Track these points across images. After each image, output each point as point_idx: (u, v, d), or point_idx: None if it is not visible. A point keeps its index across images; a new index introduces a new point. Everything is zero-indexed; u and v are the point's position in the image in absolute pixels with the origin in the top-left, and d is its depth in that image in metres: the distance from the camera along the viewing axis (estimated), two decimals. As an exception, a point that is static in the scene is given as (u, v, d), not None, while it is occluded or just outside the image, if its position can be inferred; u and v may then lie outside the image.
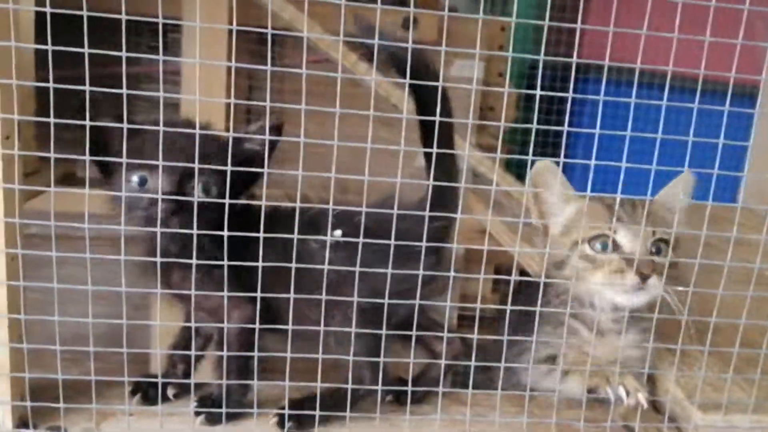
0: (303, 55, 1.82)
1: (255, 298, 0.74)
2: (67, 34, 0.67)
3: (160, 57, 0.73)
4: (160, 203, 0.73)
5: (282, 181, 0.82)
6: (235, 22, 0.66)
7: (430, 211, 0.75)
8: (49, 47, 0.68)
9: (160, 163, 0.70)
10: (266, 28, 0.73)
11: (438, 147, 0.74)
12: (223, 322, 0.79)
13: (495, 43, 1.91)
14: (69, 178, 1.57)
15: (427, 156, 0.81)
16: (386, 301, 0.74)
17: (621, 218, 0.87)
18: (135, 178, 0.75)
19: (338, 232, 0.77)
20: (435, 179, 0.79)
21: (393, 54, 0.74)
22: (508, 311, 0.78)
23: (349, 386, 0.78)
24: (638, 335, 0.92)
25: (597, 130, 0.74)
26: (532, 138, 0.76)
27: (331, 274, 0.75)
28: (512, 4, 0.70)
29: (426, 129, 0.79)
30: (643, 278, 0.84)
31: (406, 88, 0.78)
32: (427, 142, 0.80)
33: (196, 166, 0.74)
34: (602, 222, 0.88)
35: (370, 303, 0.75)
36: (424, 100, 0.79)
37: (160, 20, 0.70)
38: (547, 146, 2.03)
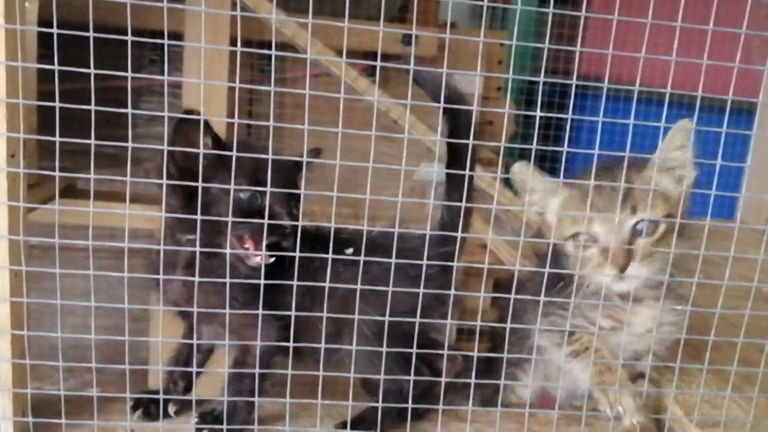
0: (302, 69, 1.84)
1: (279, 318, 0.76)
2: (69, 46, 0.68)
3: (165, 77, 0.74)
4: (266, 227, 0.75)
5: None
6: (240, 40, 0.67)
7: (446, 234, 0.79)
8: (56, 67, 0.68)
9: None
10: (267, 41, 0.75)
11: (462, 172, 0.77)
12: (244, 340, 0.79)
13: (494, 58, 1.92)
14: (70, 190, 1.58)
15: (450, 181, 0.85)
16: (387, 318, 0.74)
17: (596, 206, 0.85)
18: (243, 195, 0.76)
19: (349, 250, 0.79)
20: (453, 201, 0.83)
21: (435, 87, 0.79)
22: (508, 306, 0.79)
23: (380, 404, 0.80)
24: (674, 302, 0.90)
25: (595, 150, 0.75)
26: (533, 153, 0.78)
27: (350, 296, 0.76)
28: (511, 18, 0.71)
29: (453, 154, 0.84)
30: (621, 268, 0.83)
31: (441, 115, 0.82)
32: (452, 166, 0.84)
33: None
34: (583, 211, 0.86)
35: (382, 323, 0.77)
36: (456, 127, 0.82)
37: (165, 41, 0.70)
38: (545, 160, 2.04)
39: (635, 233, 0.85)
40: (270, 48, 0.77)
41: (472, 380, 0.81)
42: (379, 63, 0.72)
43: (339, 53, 1.51)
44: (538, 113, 0.70)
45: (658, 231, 0.85)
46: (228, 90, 1.72)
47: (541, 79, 0.74)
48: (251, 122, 1.60)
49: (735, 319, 0.88)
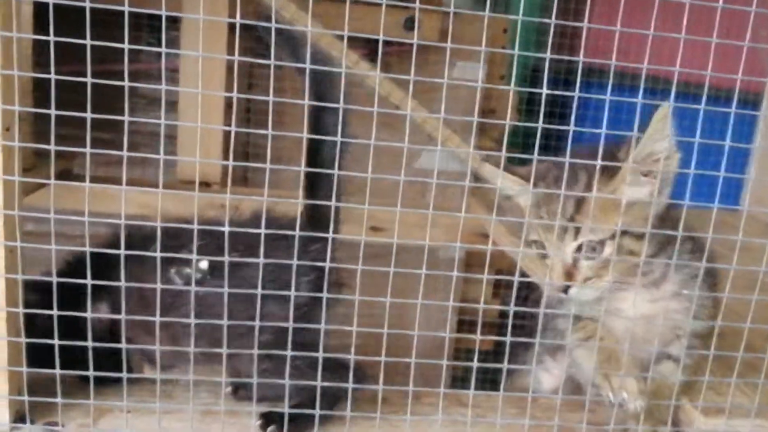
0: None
1: None
2: (65, 32, 0.66)
3: (173, 54, 0.72)
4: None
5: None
6: (238, 17, 0.65)
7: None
8: (51, 38, 0.67)
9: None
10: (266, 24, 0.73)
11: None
12: None
13: (497, 44, 1.90)
14: (65, 174, 1.57)
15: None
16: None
17: (549, 216, 0.82)
18: None
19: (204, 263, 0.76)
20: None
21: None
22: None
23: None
24: (679, 285, 0.86)
25: (603, 130, 0.73)
26: (537, 140, 0.76)
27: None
28: (514, 7, 0.70)
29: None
30: (562, 289, 0.81)
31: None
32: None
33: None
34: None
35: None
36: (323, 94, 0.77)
37: (171, 14, 0.69)
38: (549, 150, 2.03)
39: (578, 255, 0.81)
40: (269, 32, 0.76)
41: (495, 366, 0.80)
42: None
43: (340, 39, 1.49)
44: (544, 90, 0.68)
45: (604, 253, 0.80)
46: (226, 74, 1.70)
47: (548, 56, 0.73)
48: (250, 96, 1.58)
49: (739, 307, 0.87)
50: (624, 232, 0.79)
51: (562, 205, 0.79)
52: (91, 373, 0.75)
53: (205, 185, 1.62)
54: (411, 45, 0.74)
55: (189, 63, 1.62)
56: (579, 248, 0.81)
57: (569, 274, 0.81)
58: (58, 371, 0.74)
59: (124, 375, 0.78)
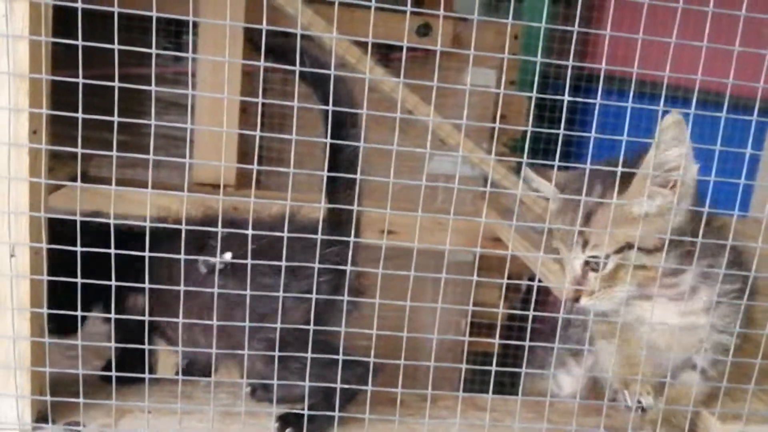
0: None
1: None
2: (83, 37, 0.67)
3: (189, 55, 0.73)
4: None
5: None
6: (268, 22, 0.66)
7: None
8: (79, 42, 0.68)
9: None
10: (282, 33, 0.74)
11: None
12: None
13: (509, 51, 1.91)
14: (82, 177, 1.58)
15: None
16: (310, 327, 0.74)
17: (565, 224, 0.81)
18: None
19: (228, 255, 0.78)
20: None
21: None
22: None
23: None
24: (712, 298, 0.82)
25: (624, 137, 0.74)
26: (559, 144, 0.77)
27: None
28: (523, 15, 0.71)
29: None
30: (574, 299, 0.81)
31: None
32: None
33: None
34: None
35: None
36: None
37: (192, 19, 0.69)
38: (561, 155, 2.03)
39: (587, 267, 0.81)
40: (285, 37, 0.77)
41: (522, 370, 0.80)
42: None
43: (355, 45, 1.50)
44: (566, 97, 0.69)
45: (608, 267, 0.79)
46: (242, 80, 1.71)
47: (567, 63, 0.73)
48: (264, 101, 1.59)
49: (756, 314, 0.88)
50: (632, 246, 0.78)
51: (575, 217, 0.80)
52: (113, 373, 0.76)
53: (218, 187, 1.63)
54: (423, 50, 0.74)
55: (205, 67, 1.64)
56: (587, 260, 0.81)
57: (579, 285, 0.81)
58: (80, 371, 0.75)
59: (146, 375, 0.79)
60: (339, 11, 0.71)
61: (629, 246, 0.78)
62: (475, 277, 0.79)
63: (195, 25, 1.58)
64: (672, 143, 0.76)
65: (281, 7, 1.46)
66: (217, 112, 1.62)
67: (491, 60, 1.88)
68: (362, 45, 1.49)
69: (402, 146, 0.74)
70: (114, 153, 0.71)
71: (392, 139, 0.74)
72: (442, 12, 0.77)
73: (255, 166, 0.74)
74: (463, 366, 0.85)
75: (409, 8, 0.75)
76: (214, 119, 1.64)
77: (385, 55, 1.78)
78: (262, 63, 0.74)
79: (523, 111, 2.04)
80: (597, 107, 0.74)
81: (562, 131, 0.75)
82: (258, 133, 0.74)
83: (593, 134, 0.74)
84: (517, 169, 1.82)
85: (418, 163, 1.87)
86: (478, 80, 1.89)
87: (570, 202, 0.82)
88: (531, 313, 0.78)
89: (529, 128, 0.75)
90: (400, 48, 1.78)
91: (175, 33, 1.63)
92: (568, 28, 0.73)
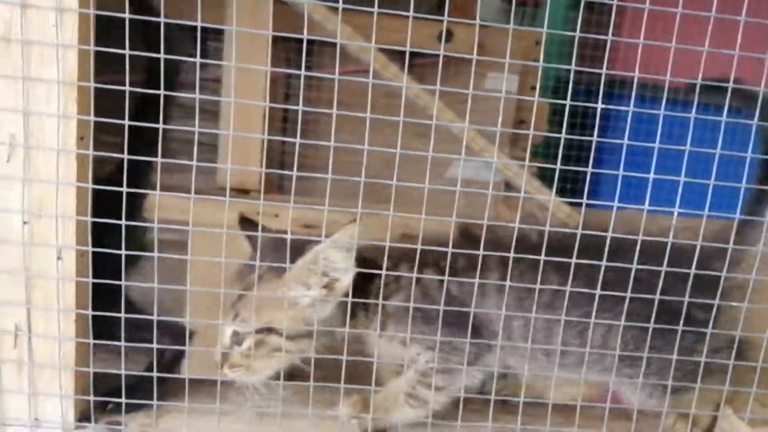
0: (341, 66, 1.85)
1: None
2: (106, 44, 0.70)
3: (232, 64, 0.75)
4: None
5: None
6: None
7: None
8: (127, 52, 0.70)
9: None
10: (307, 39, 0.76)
11: None
12: None
13: (529, 57, 1.92)
14: (115, 182, 1.60)
15: None
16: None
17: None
18: None
19: None
20: None
21: None
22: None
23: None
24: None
25: (649, 145, 0.75)
26: (592, 151, 0.78)
27: None
28: (542, 21, 0.72)
29: None
30: (221, 366, 0.80)
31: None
32: None
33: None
34: None
35: None
36: None
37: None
38: (578, 160, 2.04)
39: (234, 339, 0.80)
40: (309, 44, 0.79)
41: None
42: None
43: (378, 50, 1.52)
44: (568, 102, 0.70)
45: (245, 343, 0.80)
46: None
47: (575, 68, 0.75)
48: (287, 106, 1.61)
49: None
50: (271, 330, 0.79)
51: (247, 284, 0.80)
52: (155, 374, 0.78)
53: (244, 192, 1.65)
54: (445, 56, 0.76)
55: (232, 73, 1.66)
56: (235, 331, 0.81)
57: (224, 357, 0.81)
58: (123, 372, 0.77)
59: (186, 376, 0.80)
60: (362, 18, 0.73)
61: (269, 330, 0.79)
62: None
63: (219, 31, 1.60)
64: (345, 246, 0.78)
65: (309, 14, 1.48)
66: (243, 118, 1.64)
67: (513, 65, 1.89)
68: (387, 52, 1.51)
69: (424, 151, 0.75)
70: (159, 160, 0.73)
71: (415, 144, 0.76)
72: (438, 17, 0.78)
73: (295, 172, 0.76)
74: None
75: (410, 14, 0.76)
76: (239, 125, 1.66)
77: (409, 61, 1.80)
78: (297, 71, 0.76)
79: (544, 117, 2.05)
80: (630, 114, 0.75)
81: (594, 138, 0.76)
82: (298, 140, 0.76)
83: (625, 141, 0.75)
84: (539, 175, 1.83)
85: (440, 168, 1.88)
86: (498, 86, 1.91)
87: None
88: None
89: (562, 135, 0.76)
90: (422, 54, 1.80)
91: (201, 39, 1.65)
92: (600, 36, 0.74)
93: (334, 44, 1.49)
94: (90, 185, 0.75)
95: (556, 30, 0.84)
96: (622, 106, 0.84)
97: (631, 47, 0.76)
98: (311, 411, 0.80)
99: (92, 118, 0.72)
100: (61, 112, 0.72)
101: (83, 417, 0.79)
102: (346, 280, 0.79)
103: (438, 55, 0.75)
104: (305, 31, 0.79)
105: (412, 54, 1.86)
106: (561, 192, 1.71)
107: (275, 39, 1.60)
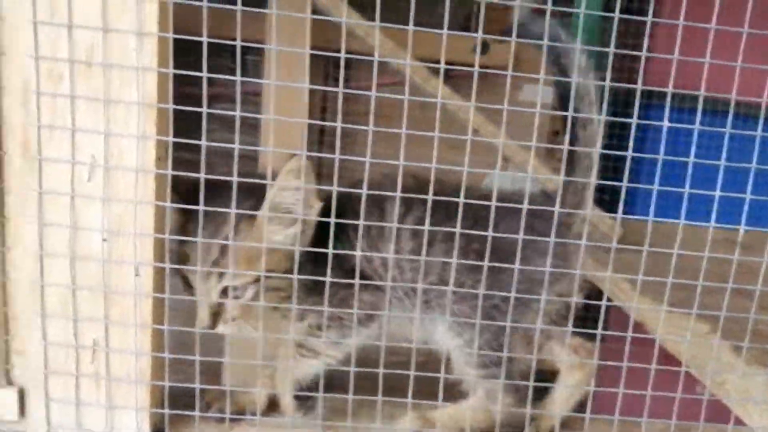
0: (376, 77, 1.87)
1: None
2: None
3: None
4: None
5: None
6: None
7: None
8: (205, 75, 0.72)
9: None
10: (343, 50, 0.78)
11: None
12: None
13: (563, 68, 1.93)
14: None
15: None
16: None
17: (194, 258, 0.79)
18: None
19: None
20: None
21: None
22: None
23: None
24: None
25: (684, 159, 0.76)
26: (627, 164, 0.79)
27: None
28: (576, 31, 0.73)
29: None
30: (210, 327, 0.81)
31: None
32: None
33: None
34: None
35: None
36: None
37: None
38: (610, 171, 2.04)
39: (224, 295, 0.81)
40: (346, 57, 0.81)
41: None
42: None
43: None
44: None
45: (246, 295, 0.80)
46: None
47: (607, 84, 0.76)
48: (325, 123, 1.63)
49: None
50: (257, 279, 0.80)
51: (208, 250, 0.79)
52: (227, 387, 0.79)
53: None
54: (481, 68, 0.77)
55: (271, 90, 1.68)
56: (223, 290, 0.81)
57: (215, 314, 0.81)
58: (198, 386, 0.79)
59: (260, 390, 0.82)
60: (401, 33, 0.75)
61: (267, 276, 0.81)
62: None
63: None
64: (290, 186, 0.80)
65: (351, 29, 1.50)
66: (283, 132, 1.66)
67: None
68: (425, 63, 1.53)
69: (456, 163, 0.77)
70: (234, 179, 0.75)
71: (452, 157, 0.77)
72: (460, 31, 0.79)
73: (335, 188, 0.78)
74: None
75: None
76: (279, 138, 1.69)
77: (445, 72, 1.82)
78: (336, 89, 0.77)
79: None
80: (697, 130, 0.76)
81: (630, 153, 0.77)
82: (337, 156, 0.78)
83: (660, 156, 0.76)
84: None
85: (476, 183, 1.89)
86: (533, 97, 1.92)
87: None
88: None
89: (597, 150, 0.77)
90: (458, 64, 1.82)
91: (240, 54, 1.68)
92: (636, 53, 0.76)
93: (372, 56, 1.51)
94: (168, 204, 0.77)
95: (589, 41, 0.85)
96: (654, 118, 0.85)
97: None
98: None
99: (171, 138, 0.74)
100: (140, 133, 0.74)
101: (157, 429, 0.81)
102: (313, 212, 0.82)
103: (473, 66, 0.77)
104: (342, 49, 0.81)
105: (447, 63, 1.88)
106: (599, 203, 1.71)
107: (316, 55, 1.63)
